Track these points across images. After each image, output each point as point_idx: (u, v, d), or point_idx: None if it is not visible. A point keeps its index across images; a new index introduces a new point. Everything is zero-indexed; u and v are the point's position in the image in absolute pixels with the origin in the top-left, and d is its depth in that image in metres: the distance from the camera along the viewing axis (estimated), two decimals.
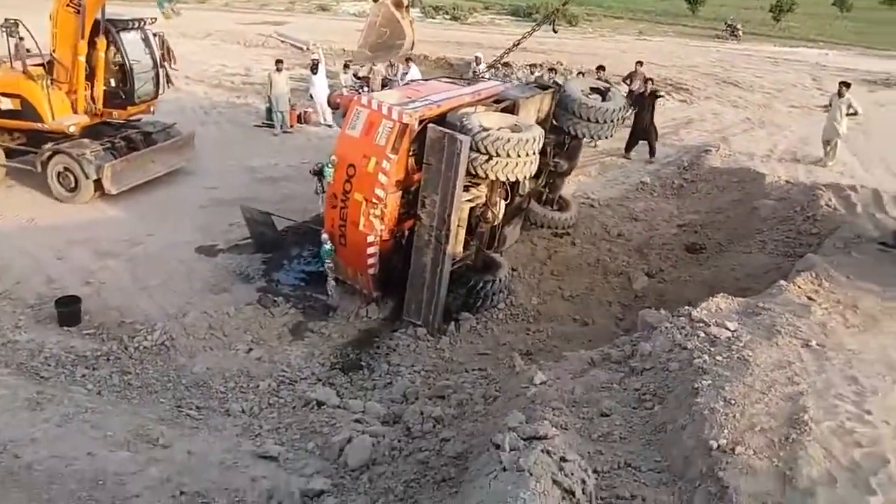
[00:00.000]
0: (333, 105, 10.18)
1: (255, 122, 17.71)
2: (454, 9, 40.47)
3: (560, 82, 10.91)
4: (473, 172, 8.35)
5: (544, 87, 10.51)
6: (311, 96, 18.15)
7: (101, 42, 12.19)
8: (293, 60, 23.92)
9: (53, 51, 11.99)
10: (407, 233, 9.18)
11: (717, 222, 12.30)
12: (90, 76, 12.34)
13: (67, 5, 11.53)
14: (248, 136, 16.74)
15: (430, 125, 8.33)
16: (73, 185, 12.31)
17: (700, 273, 10.54)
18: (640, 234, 12.12)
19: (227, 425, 6.60)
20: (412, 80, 18.41)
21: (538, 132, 8.55)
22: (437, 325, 8.92)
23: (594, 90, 10.67)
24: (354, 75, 19.46)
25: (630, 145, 15.67)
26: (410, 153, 8.62)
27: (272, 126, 17.17)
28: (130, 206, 12.36)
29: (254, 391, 7.40)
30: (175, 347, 7.98)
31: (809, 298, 7.34)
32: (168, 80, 14.19)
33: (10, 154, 12.95)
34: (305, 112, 18.21)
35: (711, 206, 13.16)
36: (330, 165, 8.77)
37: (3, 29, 11.79)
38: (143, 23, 13.10)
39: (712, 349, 5.90)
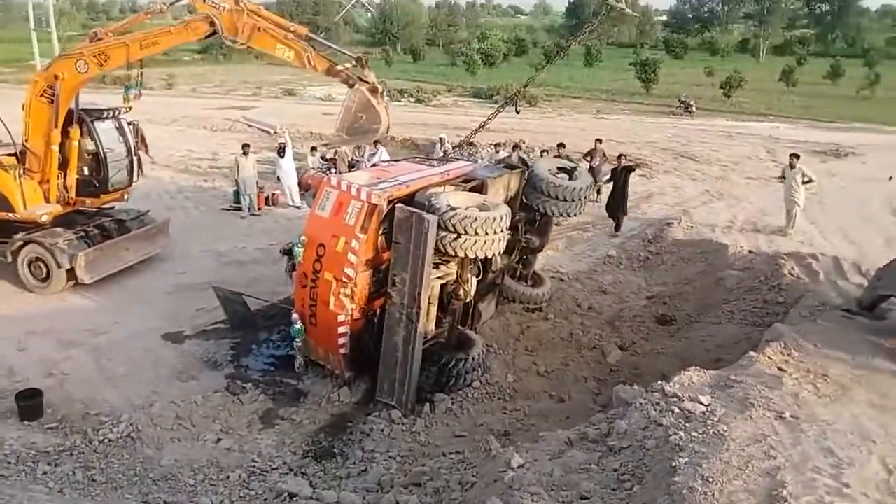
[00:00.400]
0: (305, 186, 10.32)
1: (222, 206, 17.76)
2: (418, 91, 41.67)
3: (527, 162, 11.16)
4: (443, 250, 8.44)
5: (512, 167, 10.74)
6: (279, 178, 18.34)
7: (75, 131, 12.22)
8: (260, 144, 24.25)
9: (26, 140, 12.00)
10: (378, 311, 9.15)
11: (685, 293, 12.48)
12: (63, 165, 12.31)
13: (41, 95, 11.64)
14: (215, 220, 16.74)
15: (399, 205, 8.45)
16: (44, 274, 12.08)
17: (672, 345, 10.61)
18: (610, 306, 12.22)
19: None
20: (380, 161, 18.80)
21: (505, 210, 8.71)
22: (411, 404, 8.79)
23: (561, 169, 10.93)
24: (322, 157, 19.77)
25: (615, 220, 15.98)
26: (380, 232, 8.70)
27: (240, 209, 17.23)
28: (95, 294, 12.16)
29: (224, 483, 7.13)
30: (141, 439, 7.71)
31: (780, 369, 7.41)
32: (140, 168, 14.22)
33: None
34: (273, 194, 18.34)
35: (678, 277, 13.39)
36: (300, 245, 8.81)
37: None
38: (117, 111, 13.22)
39: (687, 425, 5.89)
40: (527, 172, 10.59)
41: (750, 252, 13.59)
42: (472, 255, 8.49)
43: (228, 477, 7.29)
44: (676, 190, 19.95)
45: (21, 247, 12.12)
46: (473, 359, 9.39)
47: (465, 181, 9.82)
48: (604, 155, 17.97)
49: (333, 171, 19.16)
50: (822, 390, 6.93)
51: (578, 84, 48.10)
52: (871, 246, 14.42)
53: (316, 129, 28.02)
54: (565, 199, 10.34)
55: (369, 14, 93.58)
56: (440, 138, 20.56)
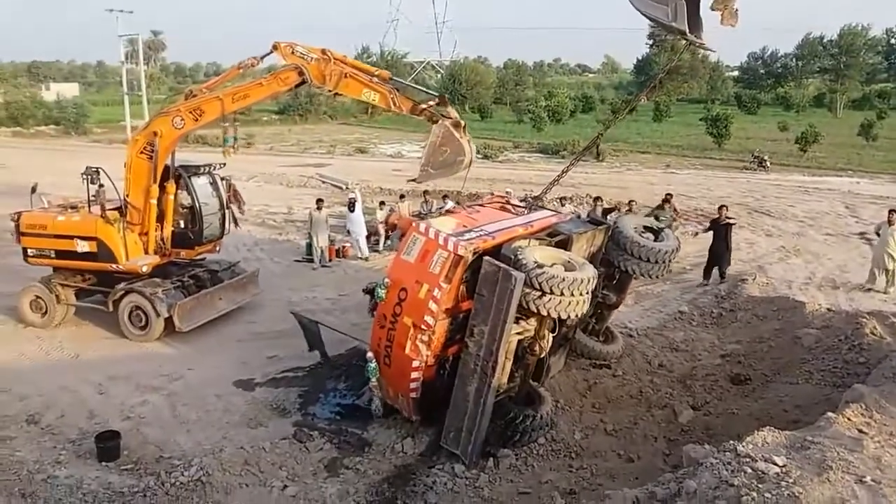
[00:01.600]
0: (391, 226, 10.53)
1: (295, 258, 18.33)
2: (486, 148, 42.28)
3: (613, 220, 11.09)
4: (525, 307, 8.37)
5: (597, 223, 10.70)
6: (349, 231, 18.86)
7: (171, 186, 13.00)
8: (333, 199, 25.01)
9: (127, 195, 12.74)
10: (451, 358, 9.17)
11: (760, 352, 12.05)
12: (160, 218, 13.05)
13: (141, 152, 12.41)
14: (288, 271, 17.29)
15: (486, 258, 8.47)
16: (143, 322, 12.69)
17: (747, 405, 10.21)
18: (681, 364, 11.91)
19: None
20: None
21: (592, 273, 8.61)
22: (476, 456, 8.71)
23: (647, 228, 10.87)
24: (391, 210, 20.28)
25: (708, 271, 16.05)
26: (462, 282, 8.76)
27: (311, 261, 17.76)
28: (171, 341, 12.69)
29: None
30: (211, 484, 7.89)
31: (861, 431, 7.03)
32: (235, 221, 14.97)
33: (78, 294, 13.51)
34: (343, 247, 18.85)
35: (752, 335, 12.96)
36: (382, 287, 8.91)
37: (86, 176, 12.63)
38: (212, 167, 14.01)
39: (761, 486, 5.64)
40: (611, 229, 10.51)
41: (829, 310, 13.07)
42: (554, 315, 8.40)
43: None
44: (751, 245, 19.46)
45: (122, 296, 12.78)
46: (542, 417, 9.27)
47: (550, 235, 9.77)
48: (675, 210, 17.75)
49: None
50: None
51: (647, 139, 47.87)
52: None
53: (385, 184, 28.78)
54: (649, 261, 10.24)
55: (439, 75, 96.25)
56: (506, 192, 20.74)
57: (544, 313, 8.36)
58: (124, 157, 12.69)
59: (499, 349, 8.37)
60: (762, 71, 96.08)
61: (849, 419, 7.25)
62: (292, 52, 11.34)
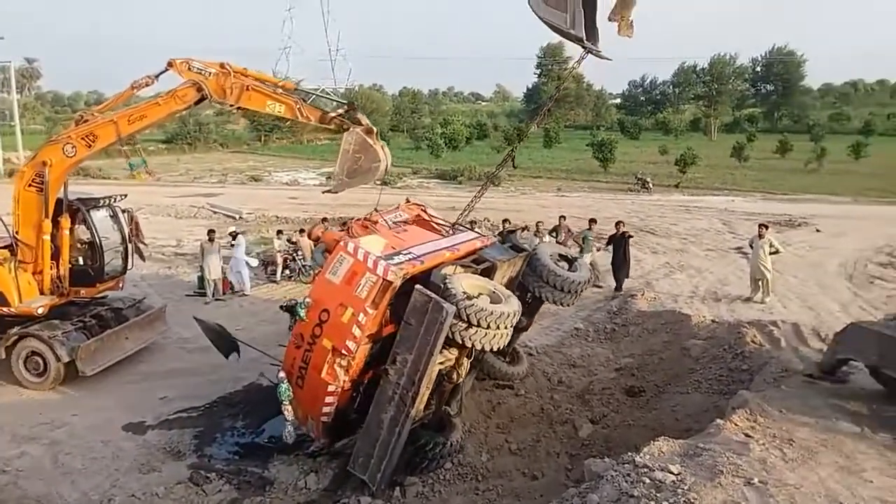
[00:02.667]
0: (314, 238, 10.08)
1: (186, 292, 17.57)
2: (384, 174, 42.37)
3: (528, 246, 10.96)
4: (451, 337, 8.26)
5: (518, 250, 10.64)
6: (230, 267, 17.75)
7: (66, 220, 12.03)
8: (225, 230, 24.21)
9: (17, 232, 11.76)
10: (366, 382, 8.97)
11: (652, 364, 12.57)
12: (55, 255, 12.05)
13: (29, 185, 11.49)
14: (178, 307, 16.50)
15: (418, 287, 8.26)
16: (41, 369, 11.65)
17: (642, 416, 10.60)
18: (579, 380, 12.24)
19: None
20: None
21: (517, 307, 8.66)
22: (384, 484, 8.53)
23: (562, 257, 10.99)
24: (288, 240, 19.90)
25: (618, 282, 17.12)
26: (388, 306, 8.57)
27: (204, 294, 17.08)
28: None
29: None
30: None
31: (747, 435, 7.46)
32: (140, 255, 14.12)
33: None
34: None
35: (644, 348, 13.52)
36: (303, 306, 8.56)
37: None
38: (112, 200, 13.13)
39: (659, 495, 5.86)
40: (529, 256, 10.55)
41: (713, 321, 13.84)
42: (479, 346, 8.39)
43: None
44: (638, 262, 20.32)
45: (16, 342, 11.70)
46: (452, 444, 9.23)
47: (476, 261, 9.69)
48: (568, 230, 18.38)
49: (299, 253, 19.30)
50: (788, 455, 6.99)
51: (539, 164, 49.51)
52: (828, 312, 14.81)
53: (282, 212, 28.24)
54: (563, 290, 10.34)
55: (334, 104, 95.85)
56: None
57: (468, 345, 8.33)
58: (11, 190, 11.78)
59: (421, 379, 8.21)
60: (642, 98, 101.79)
61: (735, 424, 7.68)
62: (189, 69, 10.85)
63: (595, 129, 75.08)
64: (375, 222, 10.05)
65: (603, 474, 6.52)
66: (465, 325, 8.13)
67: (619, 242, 17.21)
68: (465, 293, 8.30)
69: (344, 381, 8.57)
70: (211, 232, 17.62)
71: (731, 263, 19.86)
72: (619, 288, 17.09)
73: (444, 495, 8.67)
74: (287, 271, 19.23)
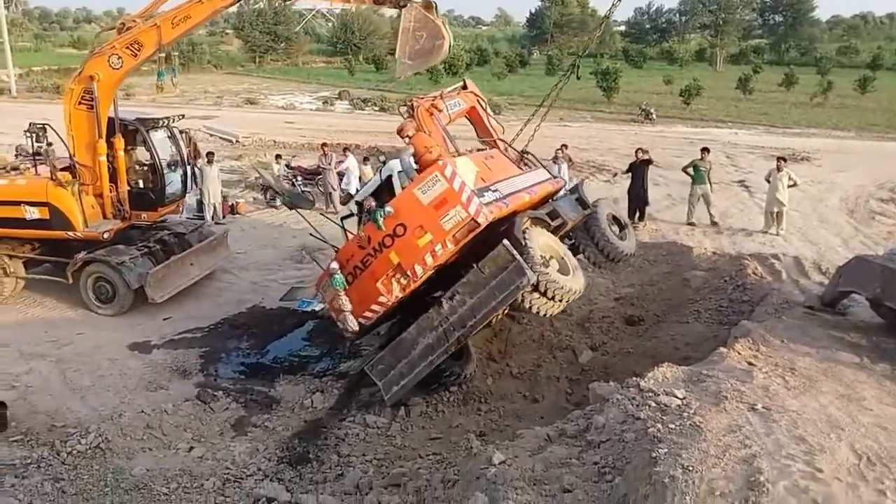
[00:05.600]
0: (404, 136, 9.44)
1: (185, 216, 17.45)
2: (382, 100, 41.67)
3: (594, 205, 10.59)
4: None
5: (584, 205, 10.36)
6: (201, 190, 16.91)
7: (119, 141, 11.72)
8: (223, 153, 23.95)
9: (73, 155, 11.46)
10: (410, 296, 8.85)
11: (652, 294, 12.66)
12: (113, 177, 11.80)
13: (79, 103, 11.15)
14: None
15: (506, 243, 8.00)
16: (109, 294, 11.55)
17: (641, 344, 10.75)
18: (580, 308, 12.29)
19: None
20: (347, 170, 18.73)
21: (582, 286, 8.65)
22: (395, 399, 8.64)
23: (615, 220, 10.75)
24: (287, 165, 19.68)
25: (632, 211, 16.34)
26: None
27: (202, 218, 16.96)
28: (55, 306, 11.88)
29: (198, 491, 7.00)
30: (111, 450, 7.54)
31: (750, 363, 7.57)
32: (195, 179, 13.72)
33: (28, 265, 12.17)
34: (237, 202, 18.14)
35: (644, 279, 13.58)
36: (383, 213, 8.28)
37: (29, 134, 11.33)
38: (170, 120, 12.78)
39: (664, 418, 5.97)
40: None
41: (714, 253, 13.87)
42: (533, 311, 8.35)
43: (203, 485, 7.16)
44: None
45: (82, 267, 11.53)
46: (465, 376, 9.34)
47: (550, 215, 9.47)
48: (570, 160, 18.12)
49: (299, 178, 19.13)
50: (790, 383, 7.10)
51: (541, 93, 48.45)
52: (829, 246, 14.85)
53: (279, 137, 27.85)
54: (607, 257, 10.21)
55: (330, 24, 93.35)
56: (365, 158, 20.58)
57: (525, 307, 8.29)
58: (62, 111, 11.38)
59: (475, 328, 8.17)
60: (648, 26, 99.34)
61: (739, 353, 7.79)
62: None
63: (599, 57, 73.47)
64: (440, 110, 9.50)
65: (608, 397, 6.64)
66: (531, 291, 8.03)
67: (637, 169, 16.57)
68: (541, 257, 8.16)
69: (396, 297, 8.49)
70: (210, 154, 17.31)
71: (733, 196, 19.74)
72: (640, 218, 16.48)
73: (447, 415, 8.86)
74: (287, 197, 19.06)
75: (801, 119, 37.54)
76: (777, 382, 7.02)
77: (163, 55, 11.76)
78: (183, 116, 13.00)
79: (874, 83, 48.27)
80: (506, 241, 8.05)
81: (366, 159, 20.19)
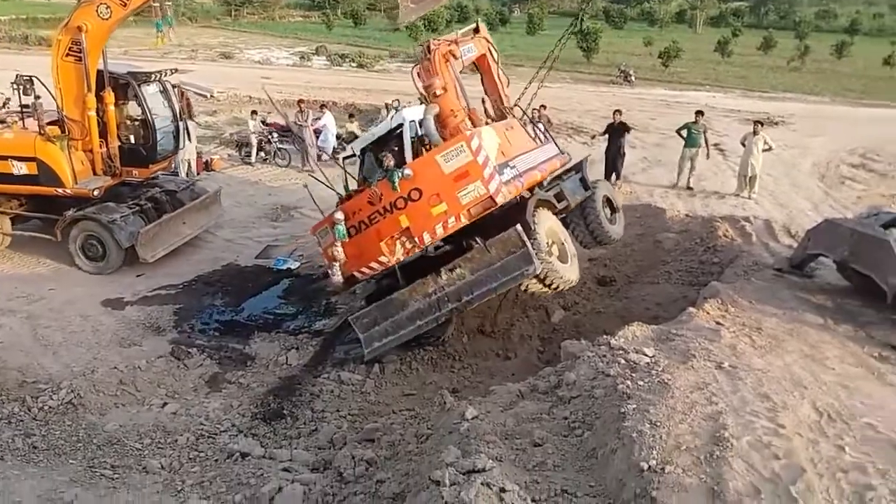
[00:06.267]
0: (426, 85, 8.97)
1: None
2: (360, 56, 40.98)
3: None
4: None
5: (586, 187, 10.42)
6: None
7: (109, 95, 11.38)
8: (198, 108, 23.43)
9: (61, 109, 11.07)
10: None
11: (624, 255, 12.78)
12: (103, 132, 11.46)
13: (67, 55, 10.74)
14: None
15: (518, 229, 7.92)
16: (100, 253, 11.34)
17: (612, 304, 10.90)
18: None
19: (146, 483, 6.23)
20: (323, 127, 18.49)
21: (577, 276, 8.77)
22: (373, 355, 8.74)
23: (608, 202, 10.80)
24: (263, 122, 19.35)
25: (608, 173, 16.35)
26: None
27: (176, 175, 16.69)
28: (26, 262, 11.71)
29: (172, 446, 7.02)
30: (84, 406, 7.51)
31: (718, 323, 7.75)
32: (188, 135, 13.27)
33: (15, 221, 11.86)
34: (211, 159, 17.86)
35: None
36: (401, 174, 8.05)
37: (16, 86, 10.92)
38: (162, 74, 12.42)
39: (633, 374, 6.11)
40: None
41: (686, 216, 14.00)
42: (527, 290, 8.43)
43: (176, 440, 7.18)
44: None
45: (72, 224, 11.27)
46: (442, 339, 9.41)
47: (557, 197, 9.47)
48: (549, 121, 18.04)
49: (274, 135, 18.85)
50: (757, 342, 7.29)
51: (522, 52, 48.03)
52: (799, 210, 15.03)
53: (255, 93, 27.31)
54: (595, 238, 10.28)
55: None
56: (385, 104, 20.29)
57: (523, 288, 8.35)
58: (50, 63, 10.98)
59: (470, 304, 8.18)
60: None
61: (707, 313, 7.94)
62: None
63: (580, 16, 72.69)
64: (457, 57, 9.26)
65: (579, 355, 6.76)
66: (532, 277, 8.07)
67: (616, 132, 16.56)
68: (546, 247, 8.19)
69: (397, 260, 8.44)
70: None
71: (709, 160, 19.85)
72: (618, 177, 16.51)
73: (421, 373, 8.96)
74: (262, 154, 18.82)
75: (777, 83, 37.67)
76: (744, 342, 7.20)
77: (156, 4, 11.27)
78: (176, 70, 12.67)
79: (851, 48, 48.49)
80: (518, 227, 7.98)
81: (351, 116, 19.85)
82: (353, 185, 9.46)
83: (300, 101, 19.06)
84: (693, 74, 40.07)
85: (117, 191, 12.02)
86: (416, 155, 8.71)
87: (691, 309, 8.33)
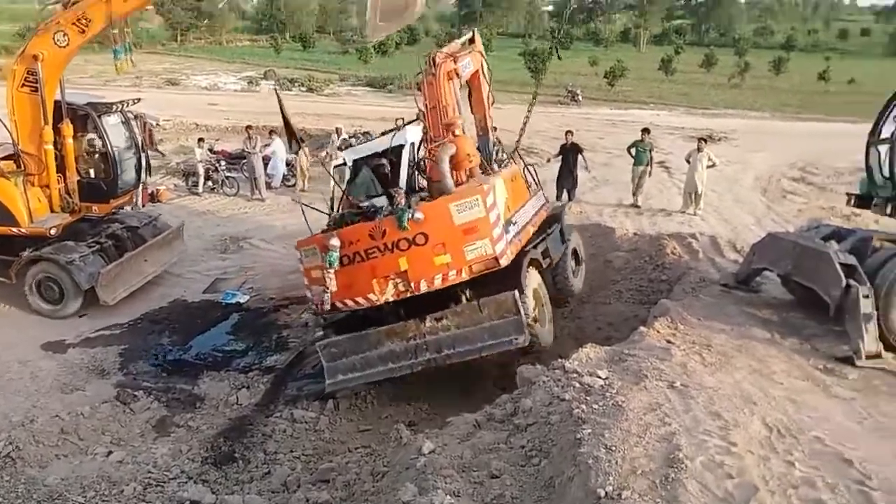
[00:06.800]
0: (452, 130, 8.63)
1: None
2: (310, 80, 40.88)
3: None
4: None
5: (563, 240, 10.61)
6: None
7: (67, 127, 10.88)
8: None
9: (17, 143, 10.57)
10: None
11: None
12: (61, 167, 10.93)
13: (22, 85, 10.29)
14: None
15: (515, 295, 7.83)
16: (57, 295, 10.78)
17: (566, 325, 10.90)
18: None
19: None
20: (274, 153, 18.29)
21: (550, 341, 8.71)
22: (334, 388, 8.54)
23: (575, 254, 10.97)
24: (210, 150, 19.08)
25: (560, 194, 16.52)
26: None
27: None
28: None
29: (117, 498, 6.71)
30: (23, 458, 7.13)
31: (668, 342, 7.82)
32: (148, 167, 12.95)
33: None
34: (157, 190, 17.45)
35: None
36: (413, 216, 7.69)
37: None
38: (124, 104, 11.97)
39: (588, 398, 6.10)
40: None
41: (635, 234, 14.21)
42: None
43: (122, 491, 6.86)
44: None
45: (28, 265, 10.70)
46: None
47: (543, 255, 9.47)
48: (498, 141, 18.19)
49: (222, 163, 18.57)
50: (707, 359, 7.37)
51: None
52: (743, 225, 15.43)
53: (202, 120, 26.99)
54: (556, 287, 10.34)
55: (255, 0, 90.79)
56: (336, 128, 20.20)
57: None
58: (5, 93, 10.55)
59: (449, 358, 8.05)
60: (574, 6, 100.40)
61: (658, 331, 8.02)
62: None
63: (527, 37, 73.97)
64: (459, 76, 9.02)
65: (535, 380, 6.73)
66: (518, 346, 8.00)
67: (568, 153, 16.72)
68: (532, 307, 8.17)
69: (385, 299, 8.13)
70: None
71: (653, 177, 20.24)
72: (569, 199, 16.56)
73: (377, 406, 8.79)
74: (210, 182, 18.52)
75: (719, 100, 38.89)
76: (694, 360, 7.27)
77: (115, 31, 10.94)
78: (139, 100, 12.35)
79: (788, 64, 50.35)
80: (516, 293, 7.90)
81: (301, 141, 19.47)
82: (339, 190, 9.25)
83: (248, 128, 18.90)
84: (638, 93, 41.09)
85: (76, 227, 11.56)
86: (409, 179, 8.59)
87: (642, 328, 8.40)
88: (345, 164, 9.46)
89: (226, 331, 11.02)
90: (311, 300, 8.63)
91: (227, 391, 9.02)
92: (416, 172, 8.94)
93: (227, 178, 18.54)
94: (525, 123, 11.83)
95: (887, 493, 5.14)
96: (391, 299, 8.13)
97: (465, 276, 7.90)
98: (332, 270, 7.96)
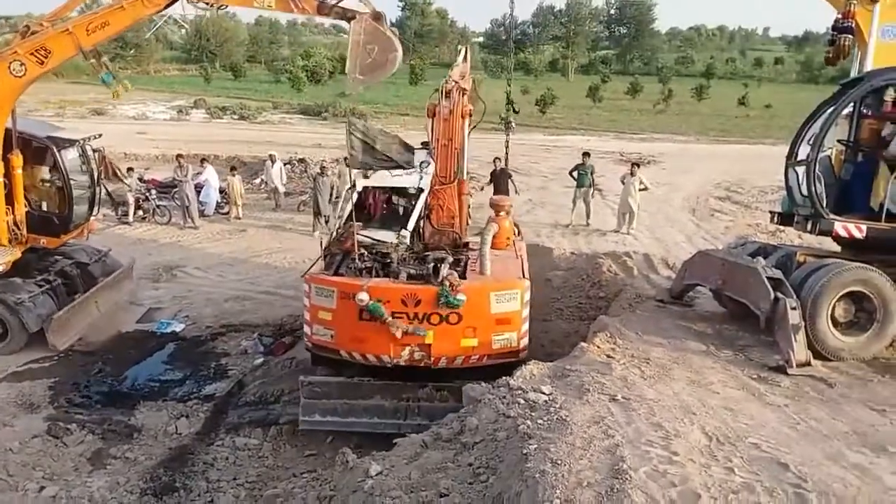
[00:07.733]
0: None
1: None
2: (242, 108, 40.44)
3: None
4: None
5: None
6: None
7: (17, 158, 10.32)
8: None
9: None
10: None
11: None
12: (9, 198, 10.36)
13: None
14: None
15: (492, 399, 7.20)
16: None
17: None
18: None
19: None
20: (206, 181, 18.00)
21: None
22: (309, 427, 8.32)
23: None
24: (140, 178, 18.61)
25: None
26: None
27: None
28: None
29: None
30: None
31: (608, 356, 8.00)
32: (99, 202, 12.38)
33: None
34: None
35: None
36: (454, 298, 7.68)
37: None
38: (86, 140, 11.50)
39: (533, 414, 6.19)
40: None
41: (572, 253, 14.56)
42: None
43: None
44: None
45: None
46: None
47: None
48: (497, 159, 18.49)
49: (153, 192, 18.14)
50: (646, 372, 7.57)
51: (406, 101, 49.04)
52: (674, 242, 16.00)
53: (131, 149, 26.30)
54: None
55: (183, 31, 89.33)
56: (270, 156, 20.04)
57: None
58: None
59: (426, 428, 7.70)
60: (504, 37, 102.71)
61: (598, 347, 8.20)
62: None
63: None
64: (471, 114, 9.30)
65: (480, 398, 6.79)
66: None
67: (499, 178, 17.02)
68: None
69: (396, 363, 7.98)
70: None
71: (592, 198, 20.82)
72: None
73: (321, 431, 8.67)
74: (140, 212, 18.04)
75: (646, 125, 40.33)
76: (634, 373, 7.46)
77: (92, 61, 10.52)
78: (100, 135, 11.97)
79: (709, 91, 52.72)
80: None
81: (233, 168, 19.19)
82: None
83: (179, 156, 18.54)
84: (568, 120, 42.24)
85: (24, 259, 11.00)
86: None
87: (583, 344, 8.58)
88: (353, 186, 9.18)
89: (162, 360, 10.71)
90: (306, 336, 8.52)
91: (166, 421, 8.77)
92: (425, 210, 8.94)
93: (158, 206, 18.11)
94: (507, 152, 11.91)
95: (821, 495, 5.37)
96: (402, 364, 8.04)
97: (485, 362, 8.00)
98: (388, 317, 7.83)
